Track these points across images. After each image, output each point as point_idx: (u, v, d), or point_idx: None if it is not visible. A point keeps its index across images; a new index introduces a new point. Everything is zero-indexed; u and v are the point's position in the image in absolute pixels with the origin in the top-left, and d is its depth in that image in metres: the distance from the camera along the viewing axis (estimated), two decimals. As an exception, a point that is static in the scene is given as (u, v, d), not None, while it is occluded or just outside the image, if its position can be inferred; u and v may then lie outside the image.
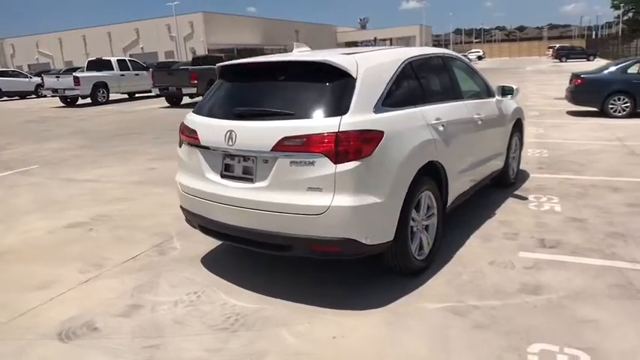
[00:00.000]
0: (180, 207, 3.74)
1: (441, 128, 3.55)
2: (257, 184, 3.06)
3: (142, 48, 56.20)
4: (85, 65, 21.84)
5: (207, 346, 2.74)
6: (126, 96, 22.30)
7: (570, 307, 2.94)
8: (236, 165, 3.18)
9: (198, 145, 3.36)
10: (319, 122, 2.88)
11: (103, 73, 20.26)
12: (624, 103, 10.35)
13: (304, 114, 2.98)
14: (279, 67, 3.47)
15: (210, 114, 3.41)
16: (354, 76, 3.01)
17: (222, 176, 3.25)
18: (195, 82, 16.79)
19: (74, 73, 20.38)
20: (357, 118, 2.88)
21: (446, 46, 74.40)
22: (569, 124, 10.11)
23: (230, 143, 3.11)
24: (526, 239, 4.03)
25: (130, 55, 40.58)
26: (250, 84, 3.43)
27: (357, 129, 2.83)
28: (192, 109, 3.70)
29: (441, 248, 3.74)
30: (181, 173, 3.61)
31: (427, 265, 3.49)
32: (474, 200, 4.75)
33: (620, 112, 10.43)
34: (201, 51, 47.84)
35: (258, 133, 3.04)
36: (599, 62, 43.78)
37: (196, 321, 3.01)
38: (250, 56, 5.11)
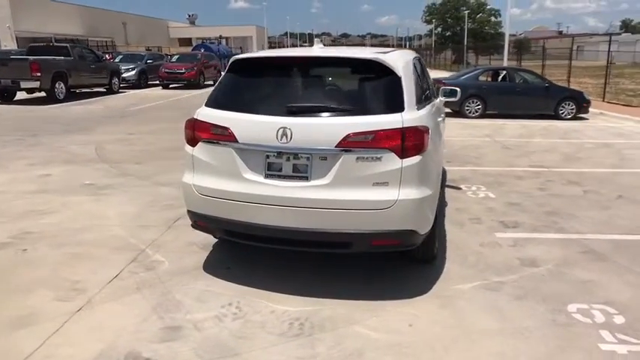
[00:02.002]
0: (192, 212, 3.38)
1: (442, 124, 3.90)
2: (314, 182, 2.99)
3: None
4: None
5: (296, 354, 2.62)
6: None
7: (568, 272, 3.56)
8: (284, 163, 3.04)
9: (230, 144, 3.11)
10: (383, 118, 2.95)
11: None
12: (477, 106, 12.25)
13: (364, 110, 3.01)
14: (324, 62, 3.41)
15: (250, 109, 3.16)
16: (399, 74, 3.15)
17: (267, 176, 3.07)
18: (39, 74, 14.45)
19: None
20: (412, 114, 3.03)
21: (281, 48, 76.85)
22: (438, 123, 11.58)
23: (284, 141, 2.96)
24: (490, 222, 4.64)
25: None
26: (293, 79, 3.30)
27: (415, 125, 2.98)
28: (205, 105, 3.36)
29: (435, 235, 4.10)
30: (199, 175, 3.27)
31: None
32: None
33: (473, 113, 12.31)
34: (8, 40, 40.80)
35: (320, 130, 2.97)
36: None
37: (260, 332, 2.83)
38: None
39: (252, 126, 3.08)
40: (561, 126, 11.19)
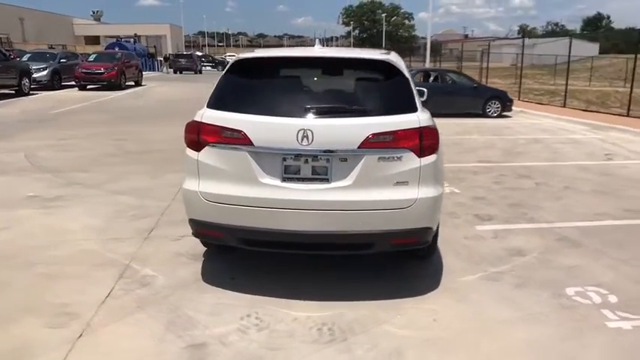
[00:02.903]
0: (195, 221, 3.19)
1: None
2: (335, 184, 2.95)
3: None
4: None
5: (336, 358, 2.57)
6: None
7: (553, 259, 3.84)
8: (302, 166, 2.97)
9: (245, 147, 2.98)
10: (401, 118, 2.99)
11: None
12: (413, 105, 12.76)
13: (381, 111, 3.02)
14: (333, 62, 3.35)
15: (265, 111, 3.04)
16: (406, 75, 3.21)
17: (285, 179, 2.97)
18: None
19: None
20: (424, 115, 3.10)
21: (200, 48, 74.64)
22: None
23: (305, 143, 2.89)
24: (465, 216, 4.87)
25: None
26: (305, 79, 3.22)
27: (429, 124, 3.06)
28: (208, 107, 3.18)
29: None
30: (206, 181, 3.09)
31: (434, 247, 3.93)
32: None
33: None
34: None
35: (342, 131, 2.93)
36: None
37: (291, 341, 2.74)
38: None
39: (270, 128, 2.97)
40: (490, 123, 12.02)
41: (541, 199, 5.48)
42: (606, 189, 5.92)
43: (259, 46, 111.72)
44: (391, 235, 3.02)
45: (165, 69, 37.89)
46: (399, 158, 2.95)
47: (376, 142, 2.91)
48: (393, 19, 58.56)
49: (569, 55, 16.52)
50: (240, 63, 3.25)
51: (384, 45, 47.93)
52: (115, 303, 3.15)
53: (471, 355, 2.62)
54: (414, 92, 3.19)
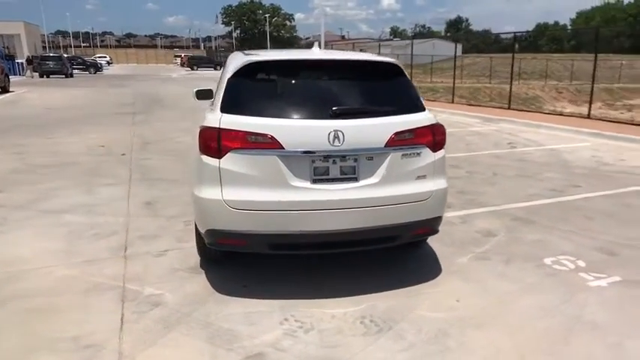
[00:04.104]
0: (217, 231, 3.09)
1: None
2: (363, 182, 3.08)
3: None
4: None
5: (395, 347, 2.73)
6: None
7: (520, 237, 4.39)
8: (331, 166, 3.04)
9: (274, 151, 2.96)
10: (417, 117, 3.23)
11: None
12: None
13: (399, 110, 3.23)
14: (343, 65, 3.45)
15: (291, 114, 3.05)
16: (408, 76, 3.45)
17: (314, 181, 3.02)
18: None
19: None
20: (431, 113, 3.37)
21: (65, 50, 67.72)
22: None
23: (337, 144, 2.97)
24: (427, 205, 5.28)
25: None
26: (321, 81, 3.27)
27: (438, 122, 3.34)
28: (222, 112, 3.07)
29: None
30: (231, 189, 3.00)
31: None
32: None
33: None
34: None
35: (370, 131, 3.07)
36: (224, 71, 50.42)
37: (343, 337, 2.83)
38: None
39: (300, 131, 3.01)
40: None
41: (479, 186, 6.14)
42: (526, 173, 6.82)
43: (129, 47, 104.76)
44: (413, 227, 3.25)
45: (28, 73, 33.84)
46: (418, 154, 3.18)
47: (399, 140, 3.11)
48: (274, 19, 59.05)
49: (455, 55, 18.52)
50: (250, 66, 3.21)
51: (268, 46, 48.12)
52: (135, 327, 2.93)
53: (503, 326, 2.95)
54: (418, 92, 3.45)
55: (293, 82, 3.28)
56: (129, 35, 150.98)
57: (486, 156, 8.02)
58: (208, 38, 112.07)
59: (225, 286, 3.42)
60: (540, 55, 38.69)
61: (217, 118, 3.06)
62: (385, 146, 3.08)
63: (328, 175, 3.06)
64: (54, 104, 16.09)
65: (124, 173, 6.79)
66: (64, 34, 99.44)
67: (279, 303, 3.20)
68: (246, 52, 3.93)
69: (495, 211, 5.12)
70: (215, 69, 50.75)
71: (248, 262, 3.79)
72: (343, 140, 2.99)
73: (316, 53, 3.69)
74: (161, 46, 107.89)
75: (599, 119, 11.68)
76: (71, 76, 34.77)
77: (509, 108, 13.47)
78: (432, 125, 3.25)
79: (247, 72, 3.21)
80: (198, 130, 3.29)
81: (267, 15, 52.85)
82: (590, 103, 11.89)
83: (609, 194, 5.74)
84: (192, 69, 49.51)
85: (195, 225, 3.52)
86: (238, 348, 2.72)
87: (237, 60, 3.41)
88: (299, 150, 2.99)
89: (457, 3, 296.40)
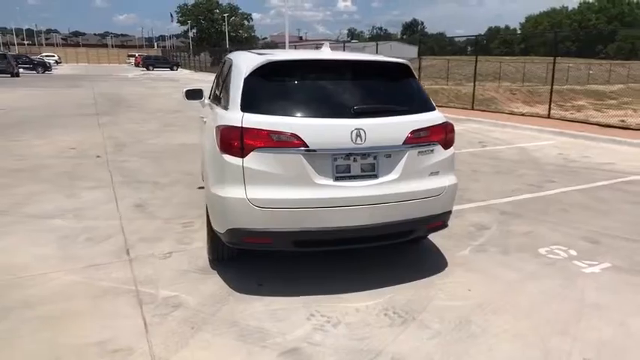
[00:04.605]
0: (240, 230, 3.10)
1: None
2: (382, 179, 3.18)
3: None
4: None
5: (423, 335, 2.85)
6: None
7: (512, 229, 4.63)
8: (352, 164, 3.13)
9: (299, 149, 3.02)
10: (429, 116, 3.38)
11: None
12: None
13: (413, 109, 3.36)
14: (358, 65, 3.52)
15: (314, 113, 3.11)
16: (416, 76, 3.59)
17: (337, 179, 3.10)
18: None
19: None
20: (440, 112, 3.52)
21: (7, 47, 64.22)
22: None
23: (359, 142, 3.06)
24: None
25: None
26: (338, 81, 3.34)
27: (448, 120, 3.49)
28: (243, 111, 3.09)
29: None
30: (255, 187, 3.02)
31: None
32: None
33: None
34: None
35: (390, 129, 3.17)
36: (182, 71, 49.44)
37: (371, 329, 2.92)
38: None
39: (324, 130, 3.07)
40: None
41: (463, 182, 6.33)
42: (503, 170, 7.16)
43: (78, 46, 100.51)
44: (427, 221, 3.39)
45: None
46: (432, 151, 3.32)
47: (416, 138, 3.24)
48: (232, 19, 58.34)
49: (419, 58, 18.99)
50: (269, 66, 3.24)
51: (227, 46, 47.49)
52: (161, 330, 2.91)
53: (517, 311, 3.13)
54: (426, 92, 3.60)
55: (312, 81, 3.33)
56: (76, 34, 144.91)
57: (463, 154, 8.32)
58: (162, 37, 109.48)
59: (242, 286, 3.43)
60: (493, 57, 40.28)
61: (239, 117, 3.08)
62: (403, 144, 3.20)
63: (349, 172, 3.15)
64: (8, 105, 15.28)
65: (104, 176, 6.60)
66: (3, 30, 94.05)
67: (300, 299, 3.25)
68: (254, 51, 3.94)
69: (483, 206, 5.36)
70: (172, 69, 49.63)
71: (259, 261, 3.81)
72: (365, 138, 3.09)
73: (330, 54, 3.76)
74: (112, 46, 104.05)
75: (558, 119, 12.36)
76: (17, 75, 32.99)
77: (472, 108, 14.01)
78: (444, 123, 3.40)
79: (265, 71, 3.24)
80: (214, 130, 3.30)
81: (225, 14, 52.15)
82: (550, 103, 12.56)
83: (582, 189, 6.13)
84: (148, 69, 48.14)
85: (209, 225, 3.51)
86: (272, 344, 2.76)
87: (250, 59, 3.43)
88: (323, 148, 3.05)
89: (411, 6, 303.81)
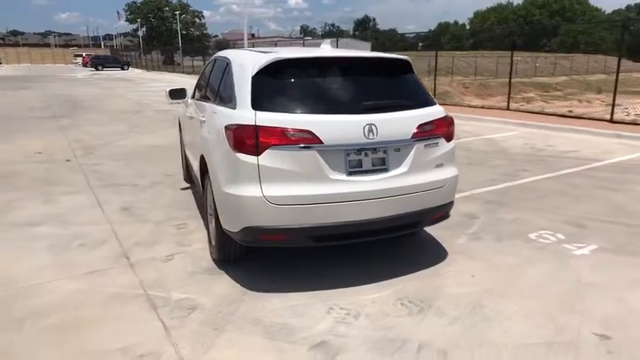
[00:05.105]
0: (255, 229, 3.11)
1: None
2: (393, 172, 3.27)
3: None
4: None
5: (442, 322, 2.96)
6: None
7: (500, 217, 4.85)
8: (364, 159, 3.20)
9: (314, 146, 3.05)
10: (433, 110, 3.50)
11: None
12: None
13: (418, 104, 3.47)
14: (366, 62, 3.59)
15: (326, 110, 3.15)
16: (415, 72, 3.70)
17: (349, 173, 3.16)
18: None
19: None
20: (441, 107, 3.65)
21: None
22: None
23: (371, 137, 3.13)
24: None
25: None
26: (346, 77, 3.39)
27: (449, 114, 3.62)
28: (255, 109, 3.09)
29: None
30: (271, 185, 3.04)
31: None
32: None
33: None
34: None
35: (399, 124, 3.27)
36: (134, 71, 47.86)
37: (392, 319, 3.00)
38: None
39: (338, 126, 3.12)
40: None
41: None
42: (477, 161, 7.44)
43: (18, 45, 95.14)
44: (432, 212, 3.51)
45: None
46: (437, 144, 3.45)
47: (422, 132, 3.35)
48: (182, 16, 56.94)
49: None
50: (277, 64, 3.25)
51: (180, 44, 46.31)
52: (183, 332, 2.88)
53: (522, 294, 3.31)
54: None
55: (320, 79, 3.38)
56: (14, 33, 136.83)
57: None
58: (109, 36, 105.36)
59: (255, 284, 3.44)
60: (445, 52, 41.45)
61: (251, 116, 3.08)
62: (411, 138, 3.30)
63: (361, 167, 3.22)
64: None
65: (79, 180, 6.36)
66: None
67: (315, 294, 3.29)
68: (253, 49, 3.92)
69: (468, 196, 5.57)
70: (123, 69, 47.91)
71: (264, 259, 3.82)
72: (377, 133, 3.16)
73: (333, 51, 3.81)
74: (56, 45, 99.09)
75: (516, 110, 12.93)
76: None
77: (436, 102, 14.38)
78: (446, 117, 3.53)
79: (273, 70, 3.25)
80: (221, 129, 3.28)
81: (176, 12, 50.82)
82: (509, 96, 13.12)
83: (554, 176, 6.49)
84: (97, 69, 46.24)
85: (217, 224, 3.48)
86: (300, 339, 2.79)
87: (255, 58, 3.43)
88: (338, 144, 3.11)
89: (362, 3, 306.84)
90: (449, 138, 3.56)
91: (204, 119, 3.94)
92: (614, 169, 6.86)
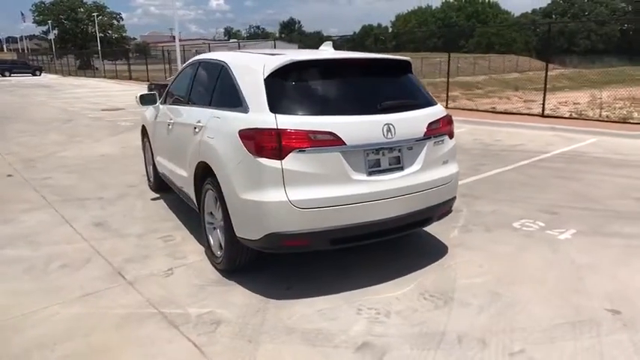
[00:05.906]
0: (277, 235, 3.05)
1: None
2: (407, 171, 3.34)
3: None
4: None
5: (470, 313, 3.07)
6: None
7: (480, 210, 5.09)
8: (381, 158, 3.23)
9: (337, 147, 3.04)
10: (436, 109, 3.62)
11: None
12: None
13: (424, 103, 3.58)
14: (373, 63, 3.60)
15: (348, 111, 3.14)
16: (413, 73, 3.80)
17: (369, 173, 3.18)
18: None
19: None
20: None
21: None
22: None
23: (389, 136, 3.17)
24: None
25: None
26: (358, 79, 3.40)
27: (449, 113, 3.76)
28: (273, 112, 3.02)
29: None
30: (296, 189, 2.99)
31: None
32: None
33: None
34: None
35: (413, 123, 3.34)
36: (47, 76, 44.44)
37: (421, 314, 3.06)
38: None
39: (359, 126, 3.13)
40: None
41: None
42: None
43: None
44: (440, 207, 3.62)
45: None
46: (443, 142, 3.57)
47: (432, 130, 3.45)
48: (99, 18, 53.71)
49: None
50: (290, 66, 3.19)
51: (99, 47, 43.60)
52: (217, 348, 2.75)
53: (529, 279, 3.51)
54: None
55: (334, 80, 3.37)
56: None
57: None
58: (12, 39, 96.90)
59: (272, 292, 3.35)
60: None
61: (271, 120, 3.00)
62: (424, 136, 3.39)
63: (379, 166, 3.25)
64: None
65: (32, 196, 5.83)
66: None
67: (338, 297, 3.28)
68: (252, 51, 3.82)
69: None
70: (34, 75, 44.34)
71: (274, 265, 3.74)
72: (394, 133, 3.22)
73: (340, 53, 3.81)
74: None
75: (454, 108, 13.63)
76: None
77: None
78: (448, 115, 3.67)
79: (287, 72, 3.20)
80: (233, 135, 3.17)
81: (94, 14, 47.77)
82: (447, 95, 13.79)
83: (512, 168, 6.93)
84: (4, 75, 42.39)
85: (229, 232, 3.35)
86: (341, 343, 2.77)
87: (264, 60, 3.35)
88: (359, 144, 3.12)
89: (285, 5, 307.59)
90: (451, 135, 3.70)
91: (199, 124, 3.77)
92: (561, 160, 7.46)
